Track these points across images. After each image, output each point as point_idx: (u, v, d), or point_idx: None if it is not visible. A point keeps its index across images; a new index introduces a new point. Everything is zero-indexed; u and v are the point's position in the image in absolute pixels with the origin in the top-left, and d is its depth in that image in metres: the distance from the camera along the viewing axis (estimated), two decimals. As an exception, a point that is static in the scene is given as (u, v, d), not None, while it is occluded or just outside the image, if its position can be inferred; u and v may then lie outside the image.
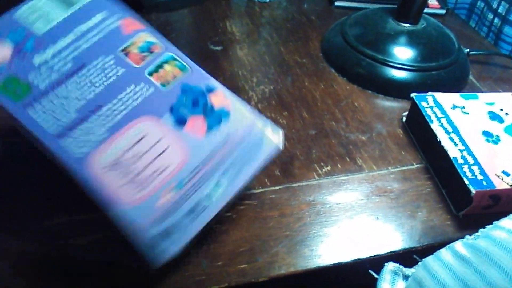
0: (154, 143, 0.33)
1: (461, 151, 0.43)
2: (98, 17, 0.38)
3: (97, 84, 0.35)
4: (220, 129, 0.35)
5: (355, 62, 0.56)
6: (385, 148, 0.48)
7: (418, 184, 0.45)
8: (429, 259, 0.36)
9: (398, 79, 0.54)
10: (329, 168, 0.45)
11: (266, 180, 0.43)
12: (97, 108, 0.34)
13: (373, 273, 0.38)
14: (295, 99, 0.52)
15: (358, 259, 0.39)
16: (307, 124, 0.50)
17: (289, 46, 0.60)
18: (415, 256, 0.38)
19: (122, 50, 0.37)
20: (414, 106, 0.49)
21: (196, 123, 0.35)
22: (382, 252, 0.40)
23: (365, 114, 0.51)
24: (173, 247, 0.32)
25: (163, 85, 0.36)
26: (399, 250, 0.40)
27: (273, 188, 0.43)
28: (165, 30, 0.60)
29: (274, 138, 0.37)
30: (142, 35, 0.38)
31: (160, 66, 0.36)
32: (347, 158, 0.46)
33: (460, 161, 0.42)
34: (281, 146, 0.36)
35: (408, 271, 0.37)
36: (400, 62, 0.54)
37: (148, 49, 0.37)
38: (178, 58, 0.37)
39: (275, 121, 0.49)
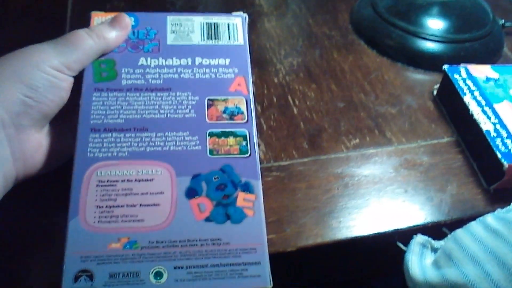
0: (152, 192, 0.32)
1: (494, 124, 0.42)
2: (221, 61, 0.38)
3: (162, 111, 0.35)
4: (221, 227, 0.31)
5: (385, 34, 0.55)
6: (415, 121, 0.47)
7: (449, 158, 0.44)
8: (459, 232, 0.36)
9: (430, 51, 0.53)
10: (357, 141, 0.45)
11: (294, 153, 0.43)
12: (142, 129, 0.34)
13: (401, 245, 0.38)
14: (324, 71, 0.52)
15: (386, 231, 0.39)
16: (335, 96, 0.49)
17: (317, 18, 0.59)
18: (444, 229, 0.38)
19: (210, 99, 0.36)
20: (446, 79, 0.48)
21: (202, 204, 0.32)
22: (411, 225, 0.39)
23: (395, 87, 0.51)
24: None
25: (211, 151, 0.34)
26: (428, 223, 0.39)
27: (301, 160, 0.43)
28: (192, 2, 0.60)
29: (267, 274, 0.31)
30: (239, 99, 0.36)
31: (225, 135, 0.35)
32: (376, 131, 0.46)
33: (493, 134, 0.41)
34: (269, 285, 0.31)
35: (437, 243, 0.37)
36: (432, 34, 0.53)
37: (231, 113, 0.36)
38: (247, 139, 0.35)
39: (303, 94, 0.49)
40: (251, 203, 0.32)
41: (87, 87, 0.35)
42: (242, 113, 0.36)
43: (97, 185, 0.32)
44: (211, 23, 0.40)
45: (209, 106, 0.36)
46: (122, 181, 0.32)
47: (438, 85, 0.49)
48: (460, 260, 0.33)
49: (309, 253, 0.38)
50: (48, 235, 0.36)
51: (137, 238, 0.30)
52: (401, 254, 0.37)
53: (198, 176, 0.33)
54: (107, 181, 0.32)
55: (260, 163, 0.42)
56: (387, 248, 0.38)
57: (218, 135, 0.35)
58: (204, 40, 0.39)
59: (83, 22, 0.54)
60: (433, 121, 0.47)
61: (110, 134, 0.34)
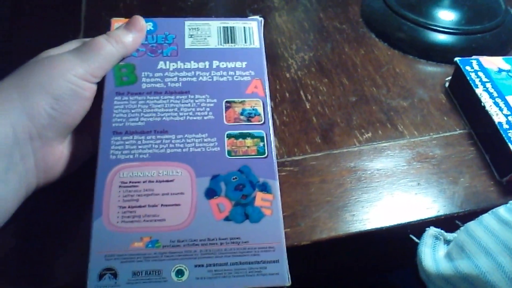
0: (173, 193, 0.33)
1: (507, 116, 0.42)
2: (238, 64, 0.39)
3: (181, 113, 0.36)
4: (240, 226, 0.32)
5: (396, 27, 0.55)
6: (427, 114, 0.47)
7: (461, 150, 0.44)
8: (471, 224, 0.36)
9: (441, 43, 0.53)
10: (370, 134, 0.45)
11: (307, 147, 0.44)
12: (162, 131, 0.35)
13: (414, 238, 0.38)
14: (335, 65, 0.52)
15: (399, 224, 0.39)
16: (347, 90, 0.49)
17: (328, 12, 0.60)
18: (457, 222, 0.38)
19: (228, 101, 0.37)
20: (457, 71, 0.48)
21: (221, 204, 0.33)
22: (423, 217, 0.40)
23: (407, 80, 0.51)
24: None
25: (229, 152, 0.35)
26: (441, 216, 0.40)
27: (314, 155, 0.44)
28: (203, 0, 0.61)
29: (285, 271, 0.32)
30: (256, 101, 0.37)
31: (242, 136, 0.35)
32: (388, 125, 0.46)
33: (505, 126, 0.41)
34: (288, 283, 0.31)
35: (449, 235, 0.37)
36: (443, 26, 0.53)
37: (248, 115, 0.36)
38: (265, 140, 0.35)
39: (315, 89, 0.49)
40: (269, 202, 0.33)
41: (108, 92, 0.36)
42: (259, 114, 0.37)
43: (119, 186, 0.33)
44: (227, 27, 0.40)
45: (226, 108, 0.37)
46: (143, 182, 0.33)
47: (450, 78, 0.49)
48: (472, 252, 0.34)
49: (323, 246, 0.39)
50: (73, 231, 0.37)
51: (159, 237, 0.31)
52: (414, 246, 0.38)
53: (217, 176, 0.34)
54: (129, 182, 0.33)
55: (274, 158, 0.43)
56: (400, 241, 0.39)
57: (236, 137, 0.35)
58: (221, 44, 0.40)
59: (98, 22, 0.55)
60: (445, 114, 0.47)
61: (131, 137, 0.35)
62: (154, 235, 0.31)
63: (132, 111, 0.36)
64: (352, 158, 0.43)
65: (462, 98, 0.48)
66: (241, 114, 0.36)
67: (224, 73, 0.38)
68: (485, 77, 0.46)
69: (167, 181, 0.33)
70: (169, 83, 0.37)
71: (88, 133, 0.38)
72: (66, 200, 0.38)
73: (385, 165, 0.43)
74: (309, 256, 0.41)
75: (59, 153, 0.35)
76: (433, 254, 0.36)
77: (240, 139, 0.35)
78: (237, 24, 0.41)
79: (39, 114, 0.33)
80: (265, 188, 0.34)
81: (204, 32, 0.40)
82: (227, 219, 0.32)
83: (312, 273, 0.45)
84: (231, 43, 0.40)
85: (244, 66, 0.39)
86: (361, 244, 0.41)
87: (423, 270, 0.36)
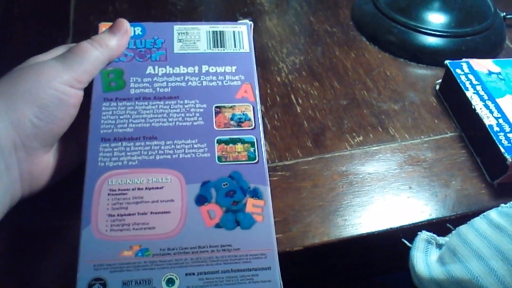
0: (163, 200, 0.32)
1: (497, 118, 0.42)
2: (227, 68, 0.38)
3: (170, 119, 0.36)
4: (231, 233, 0.32)
5: (386, 30, 0.55)
6: (418, 117, 0.47)
7: (452, 153, 0.44)
8: (463, 228, 0.36)
9: (431, 46, 0.53)
10: (361, 138, 0.45)
11: (298, 152, 0.44)
12: (152, 137, 0.35)
13: (406, 242, 0.38)
14: (326, 69, 0.52)
15: (391, 228, 0.39)
16: (338, 94, 0.49)
17: (318, 15, 0.60)
18: (448, 225, 0.38)
19: (218, 107, 0.36)
20: (448, 74, 0.48)
21: (212, 211, 0.32)
22: (415, 221, 0.40)
23: (398, 83, 0.51)
24: None
25: (220, 158, 0.34)
26: (433, 219, 0.40)
27: (305, 159, 0.43)
28: (193, 3, 0.60)
29: (277, 278, 0.31)
30: (246, 106, 0.37)
31: (233, 141, 0.35)
32: (380, 128, 0.46)
33: (496, 128, 0.41)
34: None
35: (441, 239, 0.37)
36: (433, 28, 0.53)
37: (238, 120, 0.36)
38: (255, 146, 0.35)
39: (306, 92, 0.49)
40: (260, 208, 0.33)
41: (96, 97, 0.36)
42: (249, 119, 0.36)
43: (108, 194, 0.32)
44: (217, 32, 0.40)
45: (216, 113, 0.36)
46: (133, 189, 0.32)
47: (440, 80, 0.50)
48: (464, 256, 0.34)
49: (315, 251, 0.38)
50: (60, 239, 0.37)
51: (149, 245, 0.31)
52: (407, 250, 0.37)
53: (207, 183, 0.33)
54: (118, 189, 0.32)
55: (265, 163, 0.43)
56: (393, 245, 0.39)
57: (226, 142, 0.35)
58: (210, 48, 0.39)
59: (86, 27, 0.55)
60: (436, 117, 0.47)
61: (120, 143, 0.34)
62: (144, 244, 0.31)
63: (121, 117, 0.35)
64: (344, 162, 0.43)
65: (452, 100, 0.48)
66: (231, 119, 0.36)
67: (214, 77, 0.38)
68: (476, 80, 0.46)
69: (157, 188, 0.33)
70: (158, 88, 0.37)
71: (75, 140, 0.37)
72: (53, 207, 0.38)
73: (376, 169, 0.43)
74: (301, 261, 0.41)
75: (45, 162, 0.35)
76: (425, 258, 0.36)
77: (231, 145, 0.35)
78: (227, 28, 0.40)
79: (24, 124, 0.32)
80: (256, 194, 0.33)
81: (193, 36, 0.40)
82: (217, 226, 0.32)
83: (303, 277, 0.45)
84: (221, 47, 0.39)
85: (233, 70, 0.38)
86: (353, 249, 0.41)
87: (416, 275, 0.35)
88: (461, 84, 0.46)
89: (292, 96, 0.49)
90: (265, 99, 0.48)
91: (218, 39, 0.40)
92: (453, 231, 0.37)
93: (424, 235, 0.37)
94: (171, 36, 0.40)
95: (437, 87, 0.50)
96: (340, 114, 0.47)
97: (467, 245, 0.34)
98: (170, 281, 0.30)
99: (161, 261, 0.30)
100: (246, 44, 0.40)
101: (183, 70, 0.38)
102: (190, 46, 0.39)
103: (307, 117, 0.47)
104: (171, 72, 0.38)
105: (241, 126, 0.36)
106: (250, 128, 0.36)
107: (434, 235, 0.37)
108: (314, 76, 0.51)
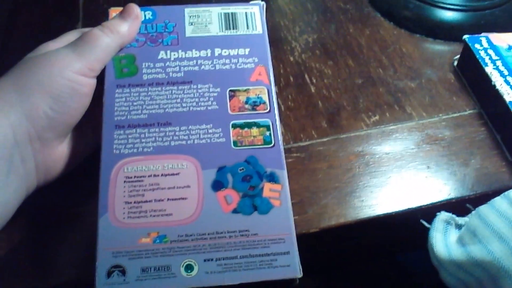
0: (179, 186, 0.32)
1: (518, 95, 0.41)
2: (240, 51, 0.38)
3: (184, 104, 0.35)
4: (248, 218, 0.31)
5: (402, 5, 0.53)
6: (436, 94, 0.46)
7: (471, 131, 0.43)
8: (483, 208, 0.36)
9: (449, 20, 0.51)
10: (377, 117, 0.44)
11: (313, 133, 0.43)
12: (166, 123, 0.34)
13: (425, 223, 0.37)
14: (340, 47, 0.51)
15: (409, 208, 0.39)
16: (353, 73, 0.48)
17: (331, -9, 0.58)
18: (468, 205, 0.38)
19: (232, 90, 0.36)
20: (466, 49, 0.46)
21: (229, 196, 0.32)
22: (434, 201, 0.39)
23: (414, 60, 0.50)
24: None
25: (235, 143, 0.34)
26: (452, 199, 0.39)
27: (320, 140, 0.43)
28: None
29: (296, 263, 0.31)
30: (260, 88, 0.36)
31: (248, 125, 0.34)
32: (396, 107, 0.45)
33: (517, 105, 0.40)
34: (299, 274, 0.30)
35: (461, 220, 0.37)
36: (451, 2, 0.51)
37: (253, 103, 0.35)
38: (271, 129, 0.34)
39: (320, 72, 0.48)
40: (277, 193, 0.32)
41: (109, 84, 0.35)
42: (264, 102, 0.36)
43: (124, 182, 0.32)
44: (228, 13, 0.39)
45: (230, 97, 0.36)
46: (149, 176, 0.32)
47: (458, 56, 0.48)
48: (485, 237, 0.33)
49: (332, 233, 0.38)
50: (77, 225, 0.37)
51: (166, 232, 0.31)
52: (425, 231, 0.37)
53: (223, 168, 0.33)
54: (134, 177, 0.32)
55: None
56: (411, 226, 0.38)
57: (242, 126, 0.34)
58: (222, 30, 0.39)
59: (96, 12, 0.54)
60: (454, 94, 0.46)
61: (134, 130, 0.34)
62: (161, 230, 0.31)
63: (134, 103, 0.35)
64: (360, 142, 0.42)
65: (471, 77, 0.47)
66: (246, 102, 0.35)
67: (227, 61, 0.37)
68: (495, 55, 0.45)
69: (173, 174, 0.32)
70: (170, 73, 0.36)
71: (88, 128, 0.37)
72: (70, 194, 0.38)
73: (393, 149, 0.42)
74: (317, 243, 0.40)
75: (60, 152, 0.35)
76: (444, 239, 0.35)
77: (246, 129, 0.34)
78: (239, 9, 0.40)
79: (38, 116, 0.32)
80: (273, 178, 0.33)
81: (204, 19, 0.39)
82: (235, 211, 0.32)
83: (319, 259, 0.45)
84: (233, 29, 0.39)
85: (247, 53, 0.38)
86: (370, 230, 0.40)
87: (435, 256, 0.35)
88: (480, 60, 0.44)
89: (306, 76, 0.48)
90: (279, 80, 0.47)
91: (230, 21, 0.39)
92: (473, 212, 0.36)
93: (443, 215, 0.37)
94: (182, 20, 0.39)
95: (455, 63, 0.49)
96: (355, 93, 0.46)
97: (488, 226, 0.33)
98: (189, 267, 0.30)
99: (179, 248, 0.30)
100: (259, 25, 0.39)
101: (196, 54, 0.37)
102: (201, 29, 0.38)
103: (321, 97, 0.46)
104: (183, 56, 0.37)
105: (256, 110, 0.35)
106: (265, 111, 0.35)
107: (453, 215, 0.37)
108: (328, 55, 0.50)
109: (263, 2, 0.41)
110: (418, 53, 0.50)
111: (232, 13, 0.39)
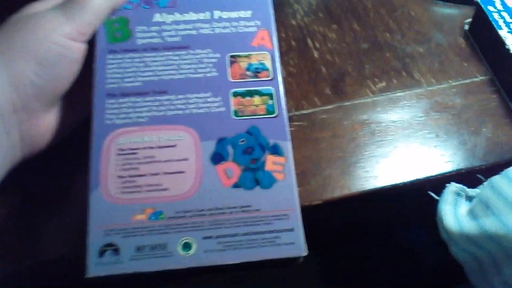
0: (176, 159, 0.30)
1: (534, 59, 0.39)
2: (242, 13, 0.35)
3: (181, 71, 0.33)
4: (250, 192, 0.30)
5: (410, -35, 0.50)
6: (445, 60, 0.44)
7: (483, 98, 0.41)
8: (496, 178, 0.34)
9: (460, -19, 0.48)
10: (383, 84, 0.42)
11: (316, 100, 0.41)
12: (161, 92, 0.32)
13: (433, 195, 0.36)
14: (345, 10, 0.48)
15: (417, 179, 0.37)
16: (358, 37, 0.46)
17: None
18: (479, 176, 0.36)
19: (232, 56, 0.33)
20: (479, 12, 0.44)
21: (229, 170, 0.30)
22: (443, 172, 0.37)
23: (423, 24, 0.47)
24: (110, 268, 0.28)
25: (236, 112, 0.32)
26: (462, 169, 0.37)
27: (324, 107, 0.41)
28: None
29: (301, 240, 0.29)
30: (263, 54, 0.34)
31: (250, 94, 0.32)
32: (404, 73, 0.43)
33: (533, 71, 0.38)
34: (304, 252, 0.29)
35: (472, 191, 0.35)
36: (463, -39, 0.48)
37: (255, 70, 0.33)
38: (274, 98, 0.32)
39: (324, 36, 0.46)
40: (281, 166, 0.30)
41: (100, 50, 0.33)
42: (267, 69, 0.33)
43: (117, 154, 0.30)
44: None
45: (231, 63, 0.33)
46: (143, 148, 0.30)
47: (470, 20, 0.46)
48: (499, 209, 0.31)
49: (335, 205, 0.36)
50: (66, 199, 0.35)
51: (163, 208, 0.29)
52: (434, 204, 0.35)
53: (223, 139, 0.31)
54: (128, 149, 0.30)
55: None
56: (418, 198, 0.37)
57: (243, 95, 0.32)
58: None
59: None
60: (465, 59, 0.44)
61: (127, 99, 0.32)
62: (157, 206, 0.29)
63: (127, 70, 0.32)
64: (365, 110, 0.40)
65: (483, 41, 0.44)
66: (247, 69, 0.33)
67: (227, 24, 0.35)
68: (510, 17, 0.42)
69: (169, 146, 0.30)
70: (166, 38, 0.34)
71: (78, 97, 0.35)
72: (59, 166, 0.36)
73: (400, 117, 0.40)
74: (320, 216, 0.39)
75: (47, 123, 0.32)
76: (454, 212, 0.34)
77: (247, 97, 0.32)
78: None
79: (23, 84, 0.29)
80: (276, 150, 0.31)
81: None
82: (236, 185, 0.30)
83: (322, 232, 0.43)
84: None
85: (249, 15, 0.35)
86: (376, 202, 0.39)
87: (444, 230, 0.33)
88: (493, 23, 0.42)
89: (309, 40, 0.45)
90: (280, 44, 0.44)
91: None
92: (485, 182, 0.34)
93: (453, 187, 0.35)
94: None
95: (466, 27, 0.46)
96: (360, 58, 0.44)
97: (502, 197, 0.32)
98: (187, 246, 0.28)
99: (176, 225, 0.29)
100: None
101: (194, 16, 0.35)
102: None
103: (325, 62, 0.44)
104: (180, 19, 0.34)
105: (258, 77, 0.33)
106: (268, 78, 0.33)
107: (464, 186, 0.35)
108: (332, 18, 0.47)
109: None
110: (427, 16, 0.48)
111: None
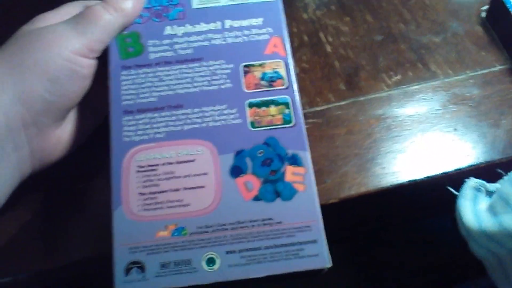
0: (195, 174, 0.30)
1: (554, 47, 0.37)
2: (253, 21, 0.34)
3: (196, 84, 0.32)
4: (271, 205, 0.29)
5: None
6: (463, 49, 0.43)
7: (502, 88, 0.40)
8: (516, 173, 0.33)
9: (476, -35, 0.47)
10: (399, 77, 0.41)
11: (330, 96, 0.40)
12: (177, 106, 0.32)
13: (452, 190, 0.35)
14: (357, 1, 0.47)
15: (435, 175, 0.37)
16: (372, 29, 0.45)
17: None
18: (499, 170, 0.35)
19: (246, 66, 0.33)
20: (496, -2, 0.43)
21: (249, 183, 0.30)
22: (462, 166, 0.37)
23: (438, 12, 0.46)
24: (136, 285, 0.28)
25: (252, 123, 0.31)
26: (481, 163, 0.37)
27: (338, 103, 0.40)
28: None
29: (325, 252, 0.29)
30: (277, 62, 0.33)
31: (265, 104, 0.32)
32: (419, 64, 0.42)
33: (553, 59, 0.37)
34: (329, 264, 0.28)
35: (491, 186, 0.34)
36: None
37: (270, 79, 0.32)
38: (290, 107, 0.32)
39: (336, 29, 0.45)
40: (301, 176, 0.30)
41: (114, 66, 0.33)
42: (282, 77, 0.33)
43: (137, 171, 0.30)
44: None
45: (245, 73, 0.33)
46: (162, 164, 0.30)
47: (487, 7, 0.44)
48: (519, 206, 0.30)
49: (352, 203, 0.36)
50: (87, 199, 0.36)
51: (185, 224, 0.29)
52: (453, 199, 0.35)
53: (241, 152, 0.31)
54: (147, 165, 0.30)
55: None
56: (437, 193, 0.36)
57: (258, 105, 0.32)
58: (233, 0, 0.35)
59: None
60: (482, 48, 0.43)
61: (144, 115, 0.31)
62: (179, 222, 0.29)
63: (142, 85, 0.32)
64: (381, 105, 0.40)
65: (502, 29, 0.43)
66: (262, 79, 0.33)
67: (239, 33, 0.34)
68: (529, 3, 0.41)
69: (188, 161, 0.30)
70: (179, 51, 0.33)
71: (87, 110, 0.35)
72: (77, 169, 0.36)
73: (417, 111, 0.39)
74: (336, 214, 0.38)
75: (57, 137, 0.33)
76: (474, 208, 0.33)
77: (263, 108, 0.32)
78: None
79: (34, 99, 0.30)
80: (295, 161, 0.31)
81: None
82: (256, 198, 0.30)
83: (337, 230, 0.43)
84: None
85: (260, 23, 0.34)
86: (393, 200, 0.38)
87: (464, 226, 0.33)
88: (511, 9, 0.41)
89: (321, 34, 0.45)
90: (292, 40, 0.44)
91: None
92: (505, 177, 0.34)
93: (472, 182, 0.34)
94: None
95: (484, 14, 0.45)
96: (374, 51, 0.43)
97: (523, 194, 0.31)
98: (211, 261, 0.28)
99: (199, 240, 0.29)
100: None
101: (204, 27, 0.34)
102: (210, 0, 0.35)
103: (338, 56, 0.43)
104: (191, 31, 0.34)
105: (273, 86, 0.33)
106: (284, 87, 0.33)
107: (483, 181, 0.34)
108: (344, 10, 0.46)
109: None
110: (442, 4, 0.46)
111: None
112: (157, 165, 0.30)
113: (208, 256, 0.28)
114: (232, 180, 0.30)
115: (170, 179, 0.30)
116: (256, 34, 0.34)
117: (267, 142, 0.31)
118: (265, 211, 0.29)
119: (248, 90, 0.32)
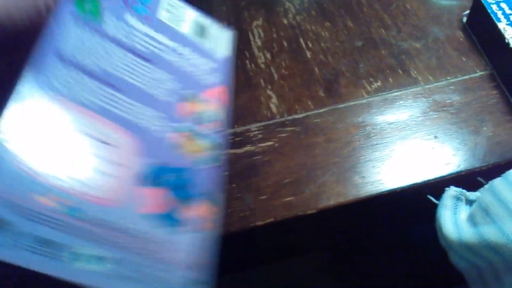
0: (113, 161, 0.27)
1: (535, 53, 0.37)
2: (208, 63, 0.35)
3: (139, 79, 0.31)
4: (167, 230, 0.27)
5: (405, -44, 0.48)
6: (443, 55, 0.42)
7: (482, 95, 0.40)
8: (496, 182, 0.32)
9: (457, -29, 0.47)
10: (379, 83, 0.41)
11: (309, 103, 0.40)
12: (116, 87, 0.30)
13: (433, 199, 0.35)
14: (338, 6, 0.47)
15: (416, 183, 0.36)
16: (352, 34, 0.44)
17: None
18: (479, 179, 0.35)
19: (189, 94, 0.33)
20: (477, 3, 0.42)
21: (158, 197, 0.28)
22: (442, 174, 0.36)
23: (419, 17, 0.45)
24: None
25: (180, 147, 0.30)
26: (461, 171, 0.36)
27: (317, 111, 0.39)
28: None
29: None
30: (218, 106, 0.33)
31: (196, 136, 0.31)
32: (400, 71, 0.42)
33: (534, 65, 0.36)
34: None
35: (472, 195, 0.34)
36: (460, -50, 0.47)
37: (207, 118, 0.32)
38: (218, 149, 0.31)
39: (316, 35, 0.44)
40: (210, 215, 0.29)
41: (65, 10, 0.30)
42: (217, 121, 0.33)
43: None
44: (203, 24, 0.36)
45: (186, 100, 0.32)
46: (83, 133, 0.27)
47: (467, 12, 0.44)
48: (499, 216, 0.30)
49: (331, 213, 0.35)
50: None
51: (80, 204, 0.25)
52: (433, 208, 0.34)
53: (162, 166, 0.29)
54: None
55: (273, 118, 0.39)
56: (417, 202, 0.35)
57: (190, 134, 0.31)
58: (193, 35, 0.35)
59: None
60: (463, 54, 0.42)
61: (79, 73, 0.29)
62: (74, 200, 0.25)
63: (91, 49, 0.30)
64: (360, 112, 0.39)
65: (482, 34, 0.43)
66: (200, 113, 0.32)
67: (194, 63, 0.34)
68: (509, 9, 0.41)
69: (109, 144, 0.28)
70: (135, 43, 0.32)
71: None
72: None
73: (397, 118, 0.39)
74: (314, 225, 0.38)
75: None
76: (454, 218, 0.33)
77: (195, 139, 0.31)
78: (213, 25, 0.36)
79: None
80: (209, 198, 0.30)
81: (180, 14, 0.35)
82: (160, 216, 0.28)
83: (317, 236, 0.42)
84: (204, 39, 0.35)
85: (213, 67, 0.34)
86: (373, 209, 0.37)
87: (443, 236, 0.32)
88: (492, 15, 0.40)
89: (301, 40, 0.44)
90: (271, 45, 0.44)
91: (202, 30, 0.35)
92: (486, 186, 0.33)
93: (452, 191, 0.34)
94: (158, 1, 0.35)
95: (464, 19, 0.44)
96: (355, 57, 0.43)
97: (502, 203, 0.30)
98: (79, 256, 0.24)
99: (79, 228, 0.25)
100: (229, 48, 0.36)
101: (165, 41, 0.33)
102: (175, 22, 0.34)
103: (318, 62, 0.42)
104: (152, 35, 0.33)
105: (207, 124, 0.32)
106: (218, 129, 0.32)
107: (464, 190, 0.34)
108: (324, 15, 0.46)
109: (235, 32, 0.38)
110: (423, 9, 0.46)
111: (206, 25, 0.36)
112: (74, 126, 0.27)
113: (80, 251, 0.24)
114: (142, 188, 0.28)
115: (83, 150, 0.27)
116: (208, 74, 0.34)
117: (187, 170, 0.30)
118: (161, 233, 0.27)
119: (184, 115, 0.31)
